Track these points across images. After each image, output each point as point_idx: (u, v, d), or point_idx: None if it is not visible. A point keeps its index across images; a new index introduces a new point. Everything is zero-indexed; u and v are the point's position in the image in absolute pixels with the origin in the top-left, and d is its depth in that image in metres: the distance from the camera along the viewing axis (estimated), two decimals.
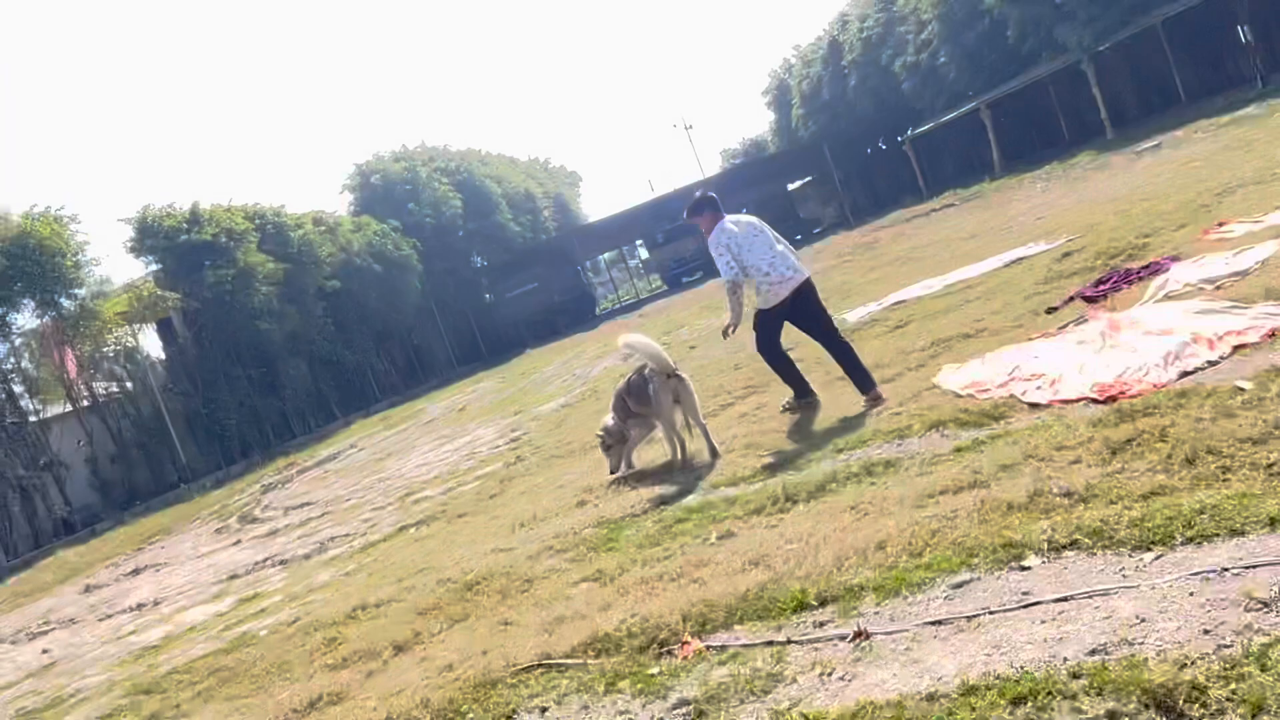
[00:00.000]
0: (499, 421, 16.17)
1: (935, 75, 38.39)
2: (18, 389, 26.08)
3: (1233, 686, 2.53)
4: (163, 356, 32.68)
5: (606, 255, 68.19)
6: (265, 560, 10.88)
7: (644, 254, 65.88)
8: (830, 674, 3.36)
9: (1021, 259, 12.13)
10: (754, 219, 7.90)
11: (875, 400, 7.08)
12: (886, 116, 43.45)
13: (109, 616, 10.99)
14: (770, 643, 3.74)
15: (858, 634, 3.54)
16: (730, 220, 7.81)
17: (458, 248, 46.84)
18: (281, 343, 32.88)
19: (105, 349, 28.66)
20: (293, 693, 5.29)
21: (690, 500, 6.24)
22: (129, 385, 29.31)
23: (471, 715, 4.03)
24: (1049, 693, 2.75)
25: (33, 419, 25.94)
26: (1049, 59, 32.21)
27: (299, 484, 18.01)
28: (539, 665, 4.30)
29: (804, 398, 7.83)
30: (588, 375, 18.19)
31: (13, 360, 26.27)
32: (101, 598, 12.80)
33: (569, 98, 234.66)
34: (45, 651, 10.10)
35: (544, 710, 3.87)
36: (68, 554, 19.94)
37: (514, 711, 3.95)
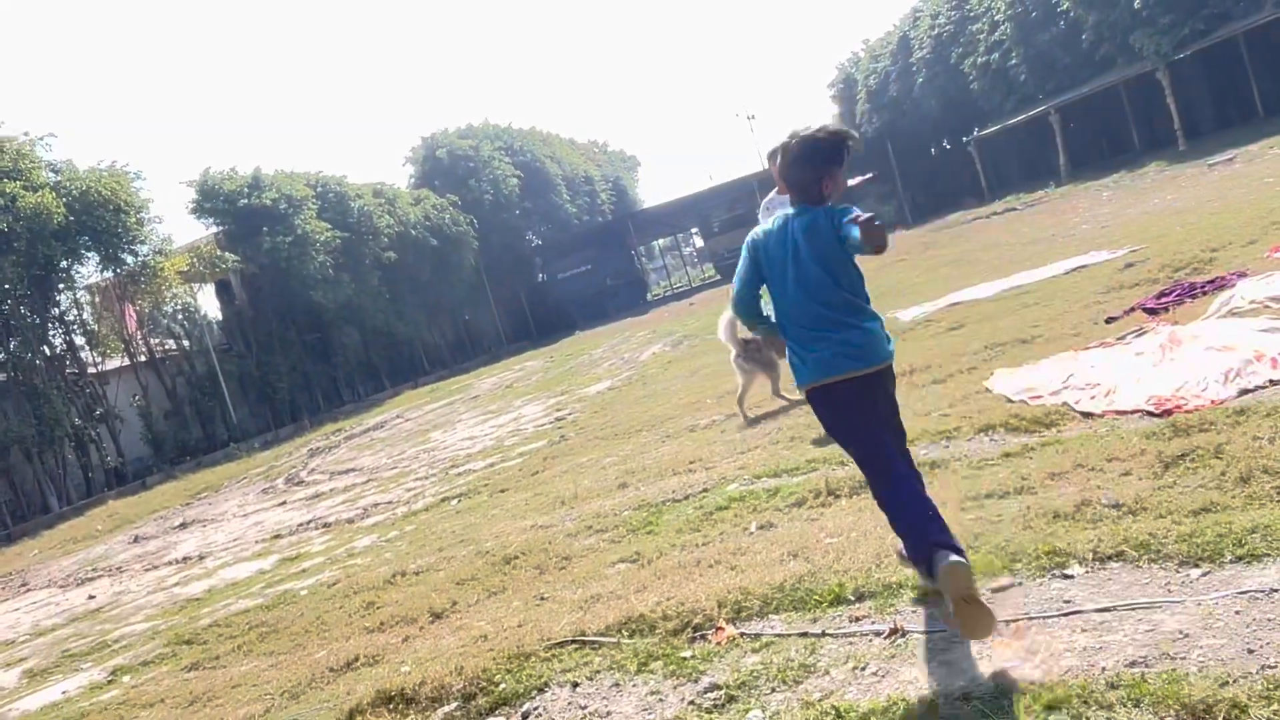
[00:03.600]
0: (545, 400, 16.26)
1: (1005, 77, 37.81)
2: (79, 340, 26.69)
3: (1275, 707, 2.48)
4: (220, 317, 33.30)
5: (661, 241, 68.16)
6: (309, 522, 11.06)
7: (699, 242, 65.75)
8: (864, 668, 3.35)
9: (1083, 267, 11.93)
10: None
11: None
12: (952, 116, 42.87)
13: (155, 568, 11.24)
14: (805, 634, 3.73)
15: (894, 631, 3.53)
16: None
17: (514, 225, 47.07)
18: (336, 310, 33.30)
19: (164, 306, 29.25)
20: (330, 651, 5.38)
21: (732, 489, 6.23)
22: (186, 343, 29.89)
23: (504, 685, 4.08)
24: (1085, 701, 2.72)
25: (91, 371, 26.55)
26: (1123, 65, 31.57)
27: (345, 450, 18.26)
28: (573, 641, 4.33)
29: None
30: (635, 360, 18.23)
31: (75, 312, 26.89)
32: (148, 549, 13.10)
33: (632, 82, 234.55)
34: (91, 597, 10.36)
35: (575, 685, 3.90)
36: (118, 504, 20.43)
37: (546, 684, 3.99)
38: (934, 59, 42.08)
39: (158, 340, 29.48)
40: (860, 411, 3.65)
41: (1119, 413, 5.50)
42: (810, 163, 3.69)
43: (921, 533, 3.40)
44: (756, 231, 3.94)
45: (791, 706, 3.21)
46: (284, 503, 13.67)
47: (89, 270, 26.97)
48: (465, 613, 5.40)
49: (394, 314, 37.28)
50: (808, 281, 3.65)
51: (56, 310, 25.91)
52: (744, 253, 3.90)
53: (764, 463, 6.70)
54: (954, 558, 3.21)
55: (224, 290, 33.26)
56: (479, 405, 18.80)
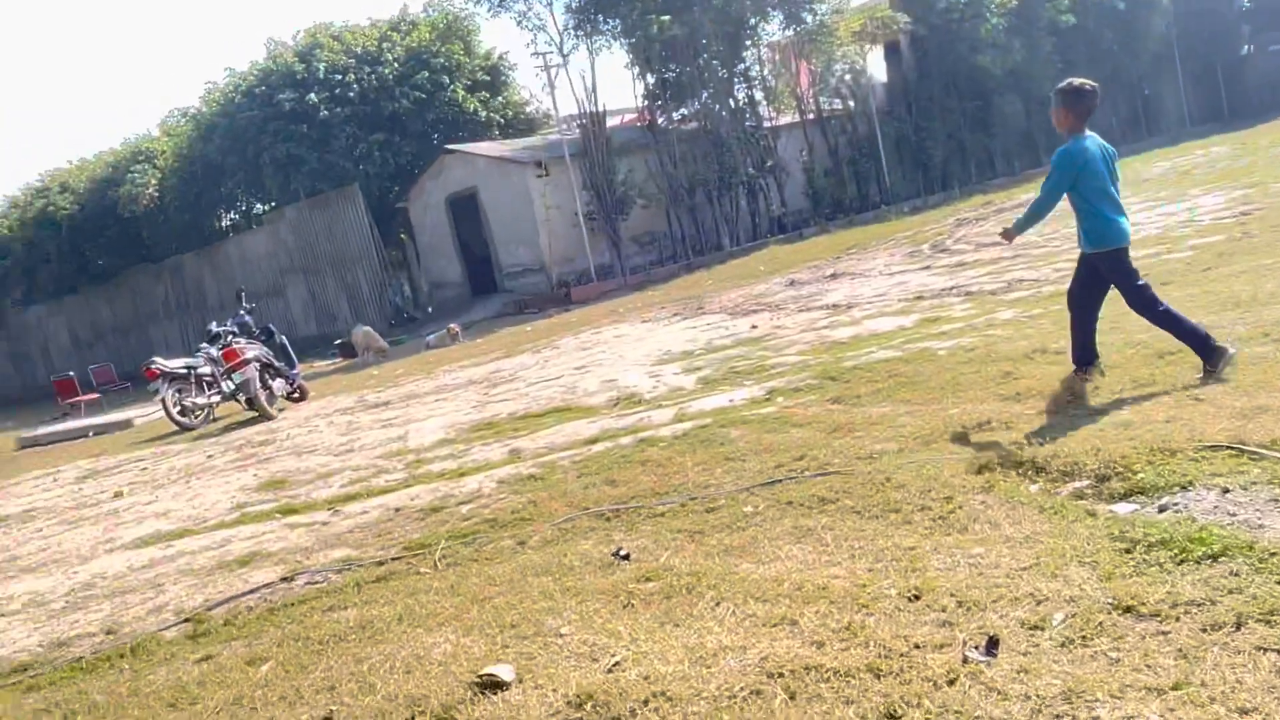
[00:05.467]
0: (1228, 191, 14.43)
1: None
2: (757, 96, 28.97)
3: None
4: (884, 80, 33.75)
5: None
6: (951, 289, 11.25)
7: None
8: None
9: None
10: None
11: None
12: None
13: (807, 310, 12.31)
14: None
15: None
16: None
17: None
18: (1001, 78, 31.96)
19: (835, 66, 30.35)
20: (963, 410, 5.58)
21: None
22: (850, 104, 30.93)
23: (1143, 475, 3.94)
24: None
25: (766, 125, 28.81)
26: None
27: (994, 223, 18.00)
28: (1228, 447, 4.02)
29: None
30: None
31: (757, 69, 29.08)
32: (801, 293, 14.34)
33: None
34: (754, 327, 11.71)
35: (1225, 491, 3.65)
36: (778, 250, 22.50)
37: (1191, 483, 3.78)
38: None
39: (825, 100, 30.88)
40: None
41: None
42: None
43: None
44: None
45: None
46: (928, 268, 13.99)
47: (773, 29, 28.84)
48: (1109, 398, 5.22)
49: None
50: None
51: (741, 66, 28.23)
52: None
53: None
54: None
55: (891, 52, 33.48)
56: (1145, 191, 17.22)
